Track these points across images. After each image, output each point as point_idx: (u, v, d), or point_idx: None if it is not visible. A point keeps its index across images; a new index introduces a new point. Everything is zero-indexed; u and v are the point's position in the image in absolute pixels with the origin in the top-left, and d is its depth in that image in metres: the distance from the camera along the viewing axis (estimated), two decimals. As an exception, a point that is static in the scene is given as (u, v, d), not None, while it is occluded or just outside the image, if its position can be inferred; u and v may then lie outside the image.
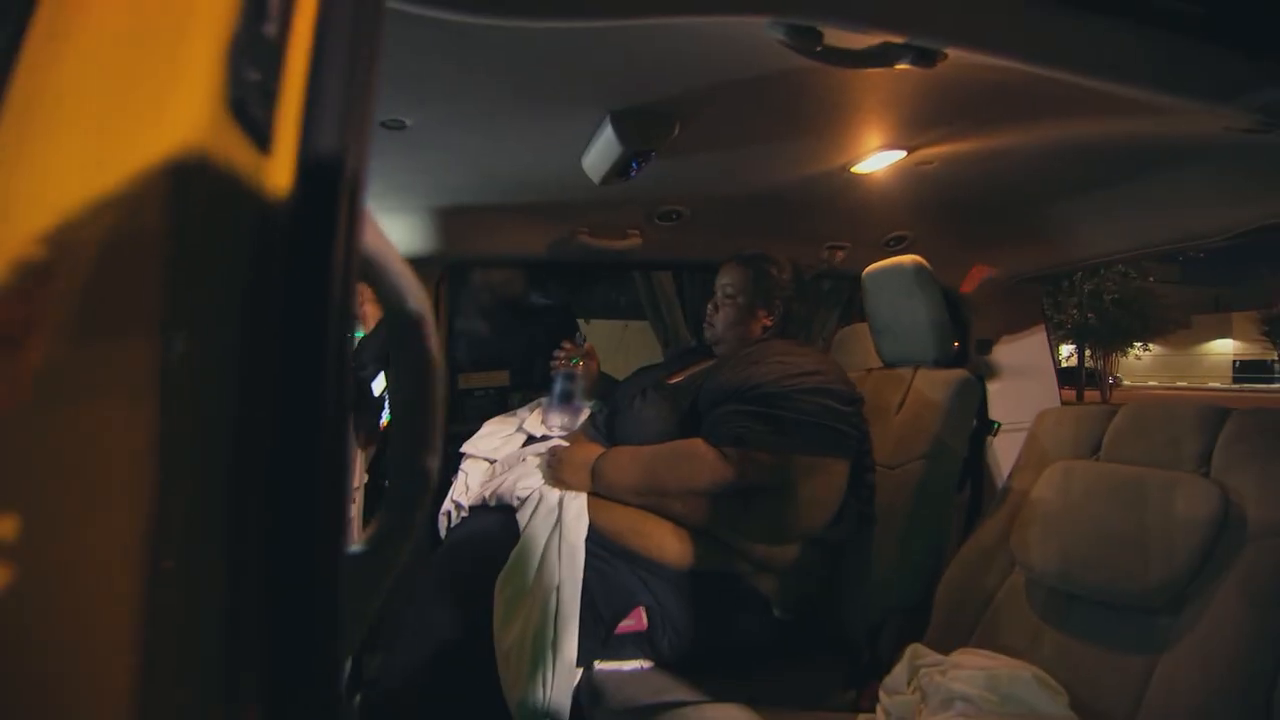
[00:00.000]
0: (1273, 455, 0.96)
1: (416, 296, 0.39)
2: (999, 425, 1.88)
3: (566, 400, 1.73)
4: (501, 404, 2.21)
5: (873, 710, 1.18)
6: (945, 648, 1.17)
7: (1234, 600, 0.89)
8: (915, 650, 1.19)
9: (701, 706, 1.17)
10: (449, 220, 1.87)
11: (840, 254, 2.06)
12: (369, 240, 0.38)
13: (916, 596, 1.37)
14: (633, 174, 1.39)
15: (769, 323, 1.62)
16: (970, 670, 1.07)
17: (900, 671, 1.18)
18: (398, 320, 0.39)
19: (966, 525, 1.44)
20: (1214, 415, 1.08)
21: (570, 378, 1.75)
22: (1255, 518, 0.93)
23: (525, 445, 1.70)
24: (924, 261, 1.55)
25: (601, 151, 1.35)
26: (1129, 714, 0.94)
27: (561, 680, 1.33)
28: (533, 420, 1.74)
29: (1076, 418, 1.29)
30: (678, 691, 1.31)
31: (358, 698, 1.56)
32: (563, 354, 1.80)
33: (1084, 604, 1.09)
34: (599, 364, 1.90)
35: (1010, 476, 1.34)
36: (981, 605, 1.24)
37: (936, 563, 1.40)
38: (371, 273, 0.39)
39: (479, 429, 1.82)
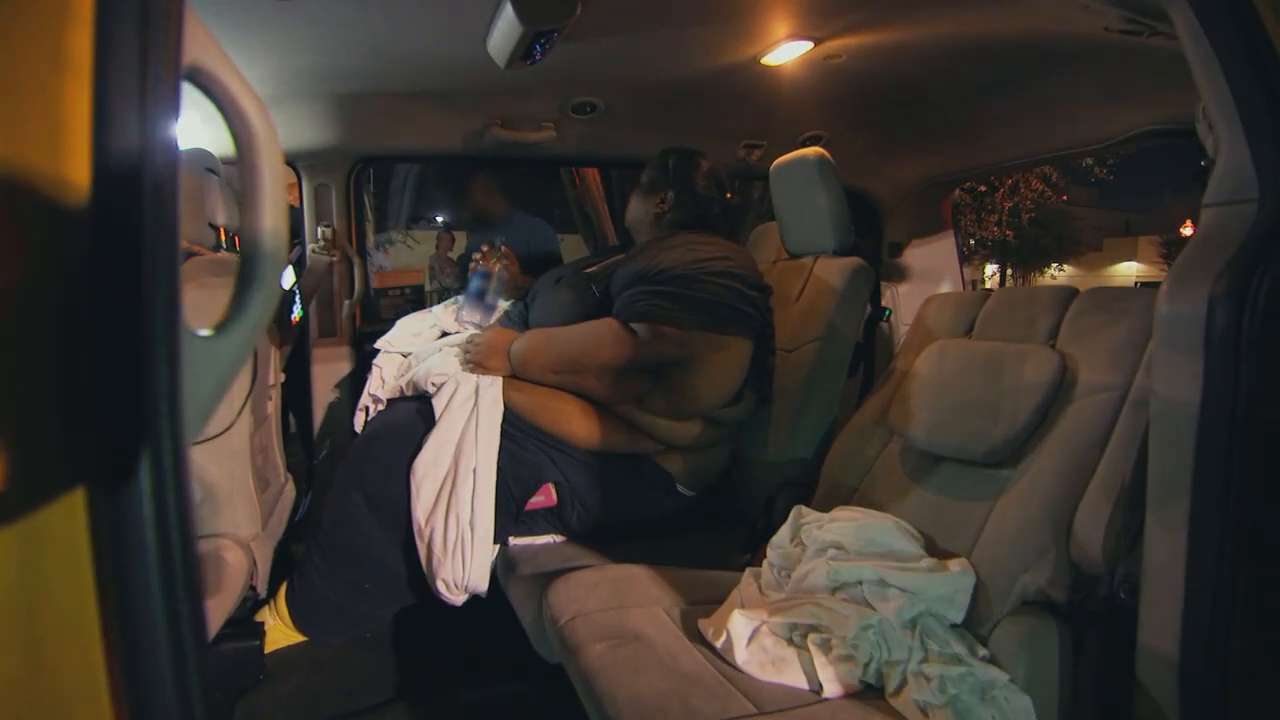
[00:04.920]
0: (1104, 326, 1.08)
1: (251, 100, 0.40)
2: (890, 312, 2.01)
3: (479, 298, 1.74)
4: (417, 303, 2.20)
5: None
6: (827, 510, 1.30)
7: (1056, 448, 1.02)
8: (799, 511, 1.32)
9: (604, 567, 1.27)
10: (356, 109, 1.79)
11: (757, 153, 2.09)
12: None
13: (808, 469, 1.50)
14: (537, 57, 1.36)
15: (659, 209, 1.66)
16: (842, 523, 1.20)
17: (785, 529, 1.30)
18: (233, 122, 0.40)
19: (859, 405, 1.56)
20: (1065, 295, 1.19)
21: (486, 277, 1.76)
22: (1084, 380, 1.05)
23: (440, 338, 1.72)
24: (826, 154, 1.59)
25: (503, 32, 1.32)
26: (969, 549, 1.08)
27: (480, 557, 1.41)
28: (447, 316, 1.75)
29: (955, 302, 1.40)
30: (585, 559, 1.42)
31: (284, 585, 1.61)
32: (480, 255, 1.81)
33: (945, 464, 1.22)
34: (519, 268, 1.91)
35: (895, 357, 1.46)
36: (862, 472, 1.37)
37: (826, 438, 1.52)
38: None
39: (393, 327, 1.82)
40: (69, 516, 0.31)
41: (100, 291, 0.29)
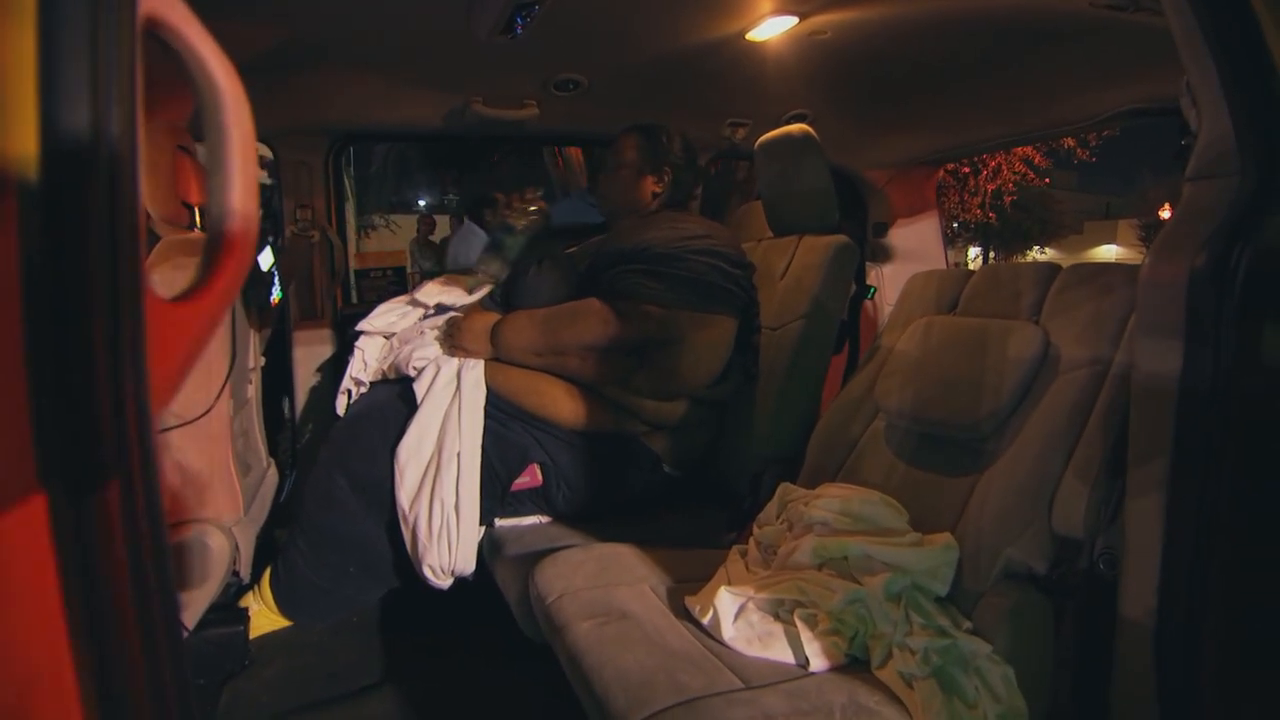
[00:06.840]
0: (1086, 302, 1.08)
1: (220, 61, 0.39)
2: (875, 290, 2.02)
3: (498, 250, 1.68)
4: (399, 285, 2.17)
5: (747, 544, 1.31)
6: (813, 487, 1.31)
7: (1039, 423, 1.03)
8: (785, 488, 1.32)
9: (591, 546, 1.27)
10: (332, 84, 1.75)
11: (741, 131, 2.07)
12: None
13: (793, 447, 1.50)
14: (518, 30, 1.33)
15: (658, 189, 1.64)
16: (828, 499, 1.20)
17: (771, 507, 1.31)
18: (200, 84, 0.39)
19: (844, 383, 1.56)
20: (1049, 271, 1.20)
21: (509, 230, 1.69)
22: (1067, 355, 1.06)
23: (422, 320, 1.70)
24: (811, 131, 1.58)
25: (484, 3, 1.29)
26: (953, 524, 1.09)
27: (466, 539, 1.41)
28: (426, 291, 1.72)
29: (940, 279, 1.40)
30: (572, 539, 1.42)
31: (268, 570, 1.59)
32: (519, 203, 1.73)
33: (930, 440, 1.23)
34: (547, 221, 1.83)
35: (881, 334, 1.46)
36: (847, 449, 1.37)
37: (812, 415, 1.52)
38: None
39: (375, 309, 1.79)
40: (31, 506, 0.29)
41: (54, 274, 0.27)
